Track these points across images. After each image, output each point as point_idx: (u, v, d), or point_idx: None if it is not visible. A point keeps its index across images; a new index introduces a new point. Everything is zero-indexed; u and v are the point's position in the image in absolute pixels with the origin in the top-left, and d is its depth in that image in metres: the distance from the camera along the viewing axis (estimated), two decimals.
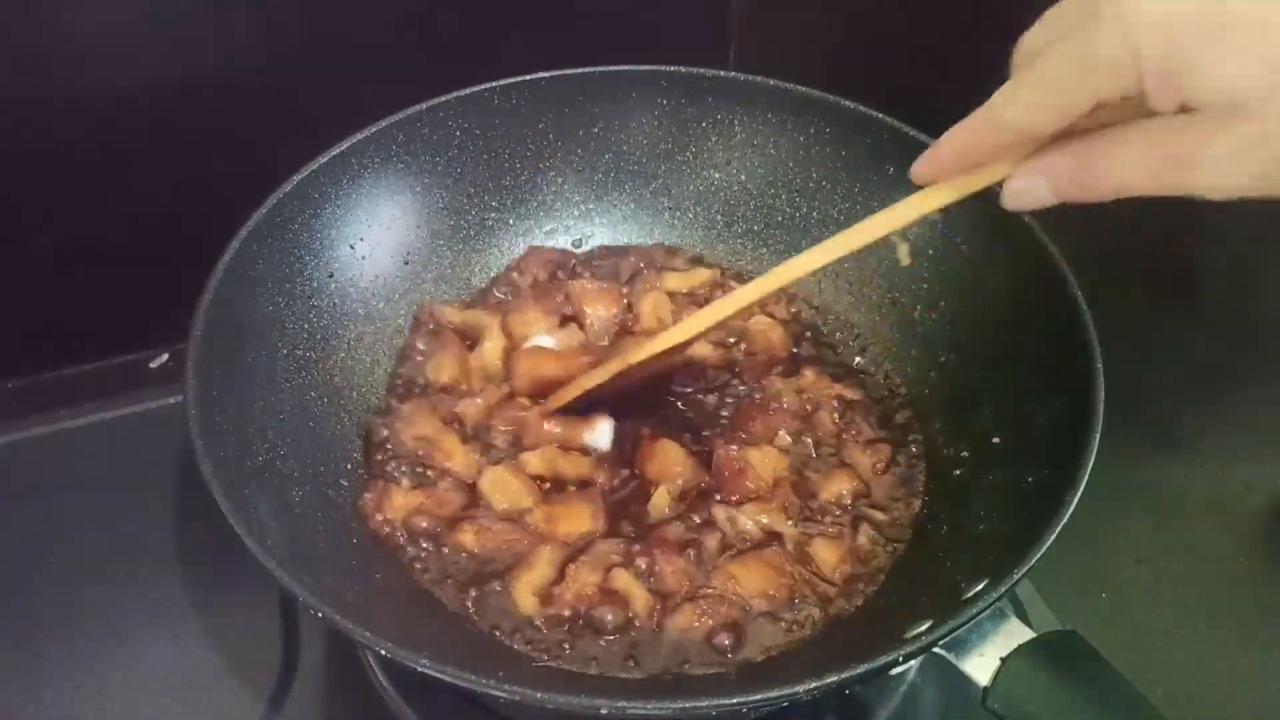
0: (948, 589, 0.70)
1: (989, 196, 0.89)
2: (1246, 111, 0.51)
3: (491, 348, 0.94)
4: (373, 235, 0.95)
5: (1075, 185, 0.59)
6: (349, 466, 0.86)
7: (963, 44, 1.15)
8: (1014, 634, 0.65)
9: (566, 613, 0.77)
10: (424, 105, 0.96)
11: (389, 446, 0.87)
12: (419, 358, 0.94)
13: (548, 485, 0.85)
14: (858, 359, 0.97)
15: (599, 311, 0.97)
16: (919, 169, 0.66)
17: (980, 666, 0.65)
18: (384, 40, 1.03)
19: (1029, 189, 0.61)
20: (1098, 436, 0.72)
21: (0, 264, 0.99)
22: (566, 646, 0.76)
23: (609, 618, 0.76)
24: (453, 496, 0.84)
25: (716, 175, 1.05)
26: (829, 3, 1.16)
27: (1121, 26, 0.52)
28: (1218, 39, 0.50)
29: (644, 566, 0.79)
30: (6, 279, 0.99)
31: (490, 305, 0.99)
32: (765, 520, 0.83)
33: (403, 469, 0.86)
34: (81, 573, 0.89)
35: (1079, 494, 0.69)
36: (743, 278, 1.02)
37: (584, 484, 0.85)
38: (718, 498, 0.84)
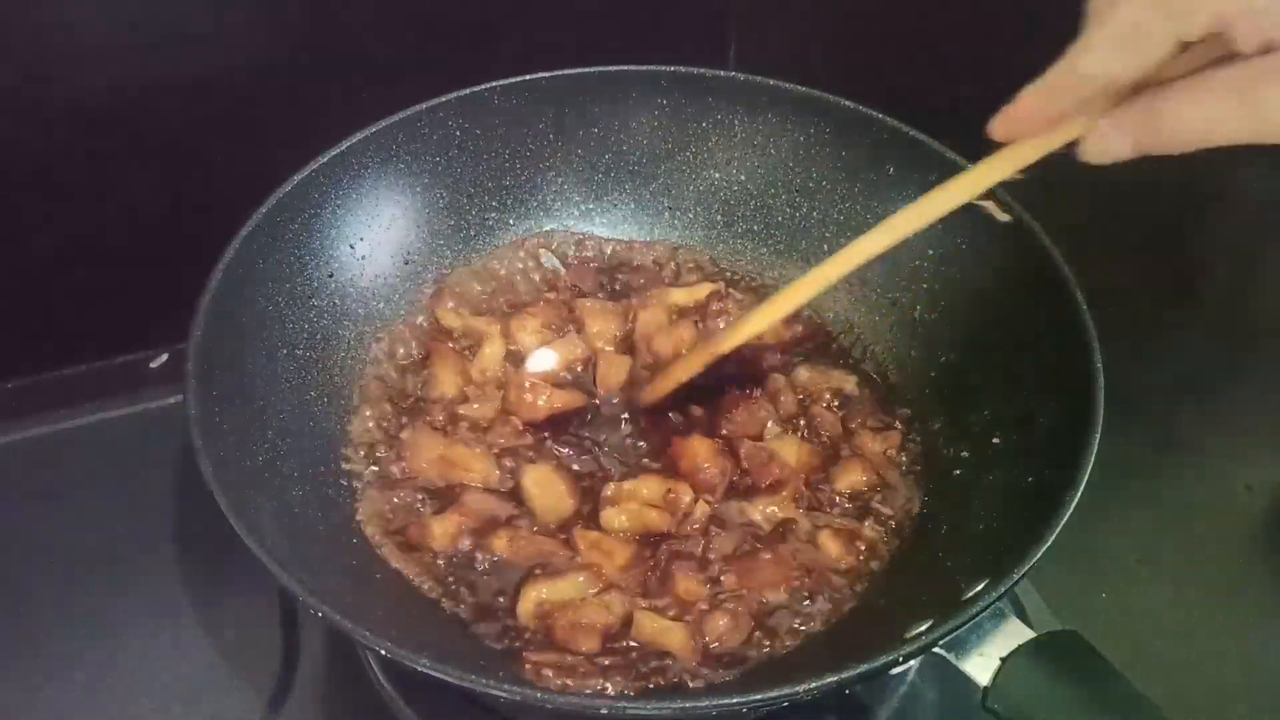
0: (948, 589, 0.70)
1: (990, 196, 0.90)
2: None
3: (492, 353, 0.94)
4: (373, 235, 0.95)
5: (1157, 138, 0.57)
6: (349, 466, 0.86)
7: (963, 44, 1.16)
8: (1014, 634, 0.65)
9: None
10: (424, 105, 0.96)
11: (405, 479, 0.85)
12: (417, 374, 0.93)
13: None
14: (857, 358, 0.97)
15: (600, 328, 0.96)
16: (997, 127, 0.64)
17: (980, 666, 0.65)
18: (384, 40, 1.03)
19: (1109, 144, 0.59)
20: (1098, 436, 0.72)
21: (0, 264, 0.99)
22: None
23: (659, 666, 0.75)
24: (485, 504, 0.83)
25: (716, 175, 1.05)
26: (829, 3, 1.16)
27: None
28: None
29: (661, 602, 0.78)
30: (6, 279, 0.99)
31: (492, 312, 0.98)
32: (774, 510, 0.84)
33: (420, 497, 0.84)
34: (81, 573, 0.89)
35: (1079, 494, 0.69)
36: (740, 283, 1.02)
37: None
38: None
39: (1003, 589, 0.65)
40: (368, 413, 0.89)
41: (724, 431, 0.89)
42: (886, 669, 0.64)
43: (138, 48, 0.94)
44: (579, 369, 0.94)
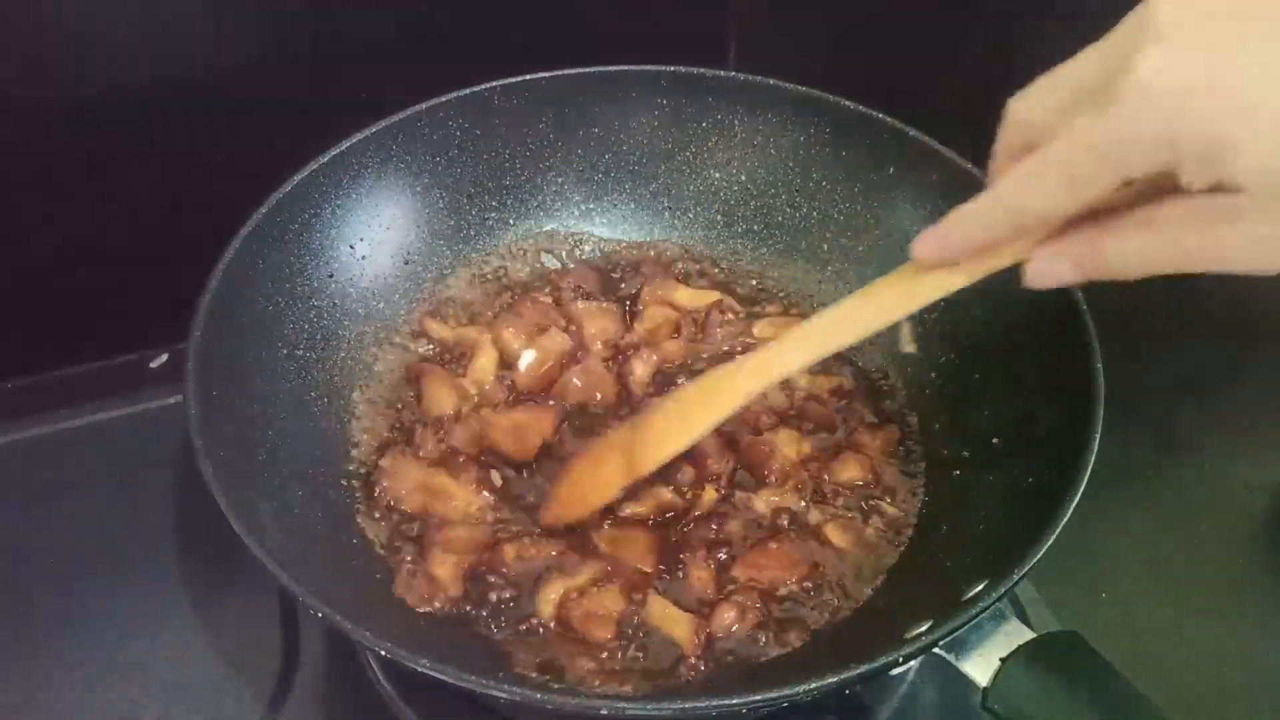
0: (948, 589, 0.70)
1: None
2: None
3: (485, 363, 0.93)
4: (373, 235, 0.95)
5: (1099, 266, 0.56)
6: (349, 466, 0.86)
7: (963, 44, 1.16)
8: (1014, 635, 0.65)
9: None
10: (424, 105, 0.96)
11: (399, 514, 0.83)
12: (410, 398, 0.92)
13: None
14: (856, 359, 0.97)
15: (596, 330, 0.96)
16: (924, 251, 0.63)
17: (980, 667, 0.65)
18: (384, 40, 1.03)
19: (1052, 270, 0.58)
20: (1098, 437, 0.72)
21: (0, 264, 0.98)
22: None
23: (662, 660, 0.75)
24: (475, 532, 0.81)
25: (716, 175, 1.05)
26: (829, 3, 1.16)
27: (1154, 104, 0.48)
28: (1263, 117, 0.47)
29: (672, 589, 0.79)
30: (6, 279, 0.99)
31: (482, 321, 0.98)
32: (777, 500, 0.84)
33: (415, 531, 0.82)
34: (81, 573, 0.89)
35: (1079, 494, 0.69)
36: (738, 289, 1.02)
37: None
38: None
39: (1003, 590, 0.65)
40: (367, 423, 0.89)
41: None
42: (886, 670, 0.64)
43: (138, 48, 0.94)
44: (563, 365, 0.93)
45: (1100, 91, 0.50)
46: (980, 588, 0.66)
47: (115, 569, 0.90)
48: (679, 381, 0.93)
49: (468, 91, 0.97)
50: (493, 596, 0.78)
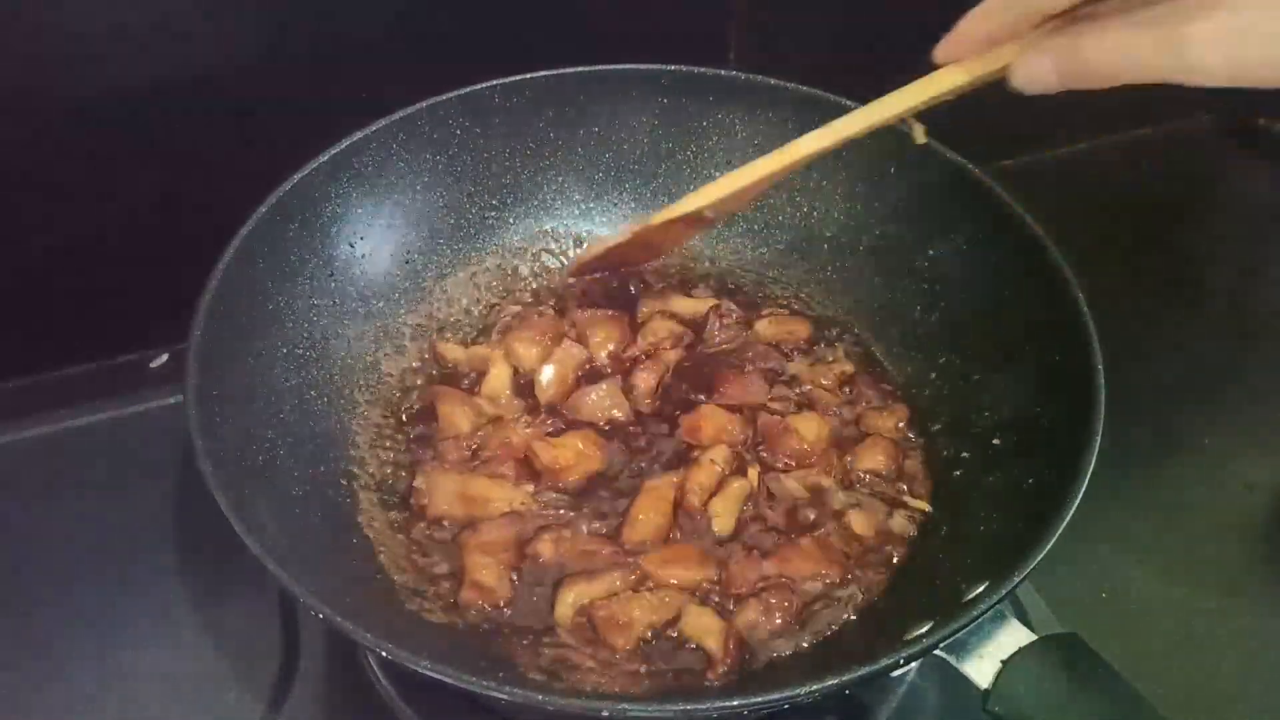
0: (948, 591, 0.70)
1: (990, 197, 0.90)
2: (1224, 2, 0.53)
3: (498, 374, 0.93)
4: (373, 235, 0.95)
5: (1077, 65, 0.60)
6: (349, 466, 0.86)
7: None
8: (1015, 636, 0.65)
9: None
10: (424, 105, 0.96)
11: (431, 521, 0.84)
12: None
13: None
14: (857, 359, 0.97)
15: (602, 338, 0.96)
16: (940, 51, 0.68)
17: (981, 669, 0.65)
18: (384, 40, 1.02)
19: (1034, 68, 0.62)
20: (1098, 437, 0.72)
21: (0, 264, 0.98)
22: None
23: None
24: (512, 526, 0.82)
25: (716, 175, 1.04)
26: (829, 3, 1.16)
27: None
28: None
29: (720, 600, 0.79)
30: (6, 279, 0.99)
31: (491, 337, 0.98)
32: (813, 481, 0.86)
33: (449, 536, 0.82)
34: (81, 573, 0.89)
35: (1080, 495, 0.69)
36: (738, 289, 1.03)
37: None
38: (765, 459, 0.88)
39: (1004, 591, 0.65)
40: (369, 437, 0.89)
41: (723, 404, 0.91)
42: (887, 671, 0.63)
43: (138, 48, 0.93)
44: (579, 376, 0.94)
45: None
46: (981, 589, 0.66)
47: (115, 569, 0.90)
48: (684, 388, 0.93)
49: (468, 91, 0.97)
50: (533, 595, 0.78)
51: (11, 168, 0.94)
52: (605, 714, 0.61)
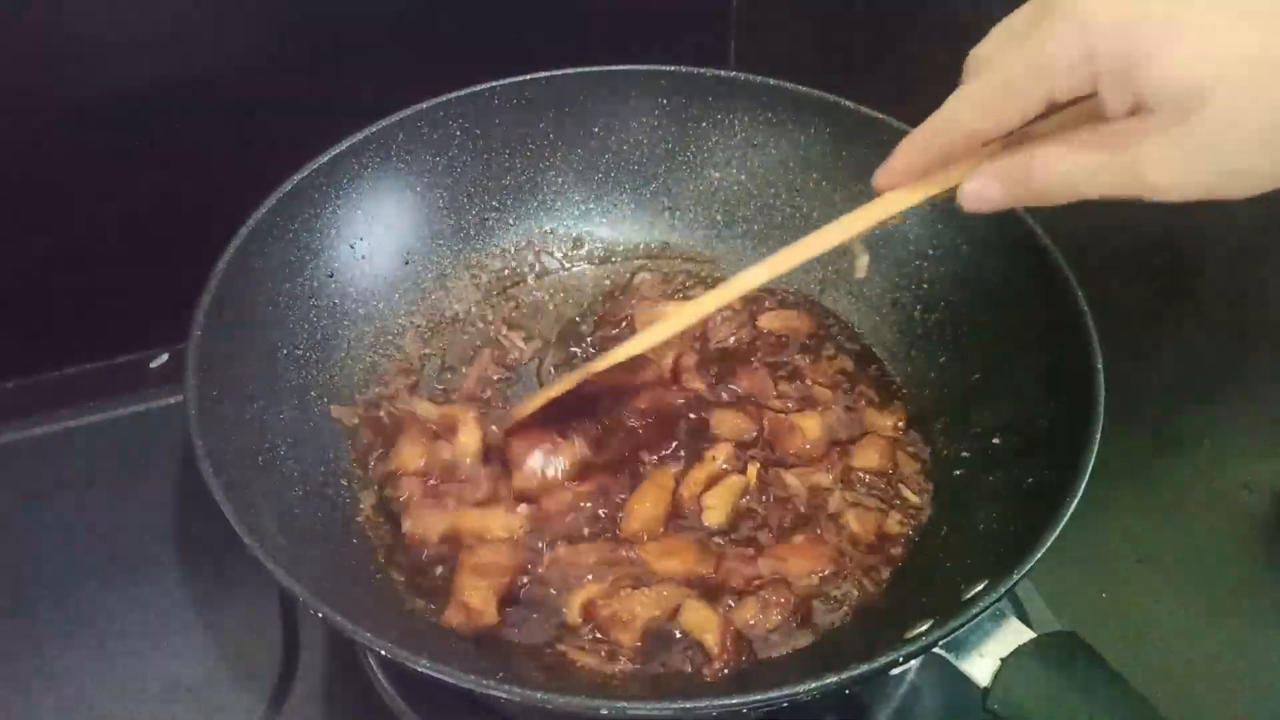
0: (948, 589, 0.70)
1: None
2: (1200, 106, 0.51)
3: (467, 443, 0.86)
4: (373, 235, 0.95)
5: (1026, 187, 0.59)
6: (349, 466, 0.86)
7: (963, 44, 1.16)
8: (1014, 634, 0.65)
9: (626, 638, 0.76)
10: (424, 105, 0.96)
11: (434, 559, 0.81)
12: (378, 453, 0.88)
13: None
14: (857, 358, 0.97)
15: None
16: (879, 179, 0.67)
17: (980, 667, 0.65)
18: (384, 40, 1.03)
19: (982, 191, 0.61)
20: (1098, 437, 0.72)
21: (0, 264, 0.98)
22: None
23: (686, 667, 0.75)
24: (508, 553, 0.80)
25: (716, 175, 1.05)
26: (829, 3, 1.16)
27: (1076, 25, 0.53)
28: (1172, 35, 0.51)
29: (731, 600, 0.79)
30: (6, 279, 0.99)
31: (465, 398, 0.93)
32: (813, 479, 0.86)
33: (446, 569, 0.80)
34: (81, 573, 0.89)
35: (1079, 494, 0.69)
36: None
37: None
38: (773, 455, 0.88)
39: (1003, 590, 0.65)
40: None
41: (726, 396, 0.92)
42: (887, 669, 0.64)
43: (138, 48, 0.94)
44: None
45: (1040, 20, 0.55)
46: (980, 588, 0.66)
47: (115, 569, 0.90)
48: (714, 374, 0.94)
49: (468, 91, 0.98)
50: (531, 616, 0.77)
51: (11, 168, 0.94)
52: (605, 713, 0.61)
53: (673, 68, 1.01)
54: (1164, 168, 0.54)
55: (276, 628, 0.86)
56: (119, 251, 1.01)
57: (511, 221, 1.04)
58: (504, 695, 0.61)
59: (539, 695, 0.62)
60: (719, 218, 1.05)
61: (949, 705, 0.82)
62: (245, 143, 0.98)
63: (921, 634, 0.64)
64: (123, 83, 0.94)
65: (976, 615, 0.64)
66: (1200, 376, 1.07)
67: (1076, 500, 0.69)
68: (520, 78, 0.99)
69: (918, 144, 0.64)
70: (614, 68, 1.01)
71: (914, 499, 0.86)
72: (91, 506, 0.94)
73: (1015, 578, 0.65)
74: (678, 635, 0.76)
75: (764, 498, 0.85)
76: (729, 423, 0.89)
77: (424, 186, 0.98)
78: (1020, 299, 0.87)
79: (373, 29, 1.02)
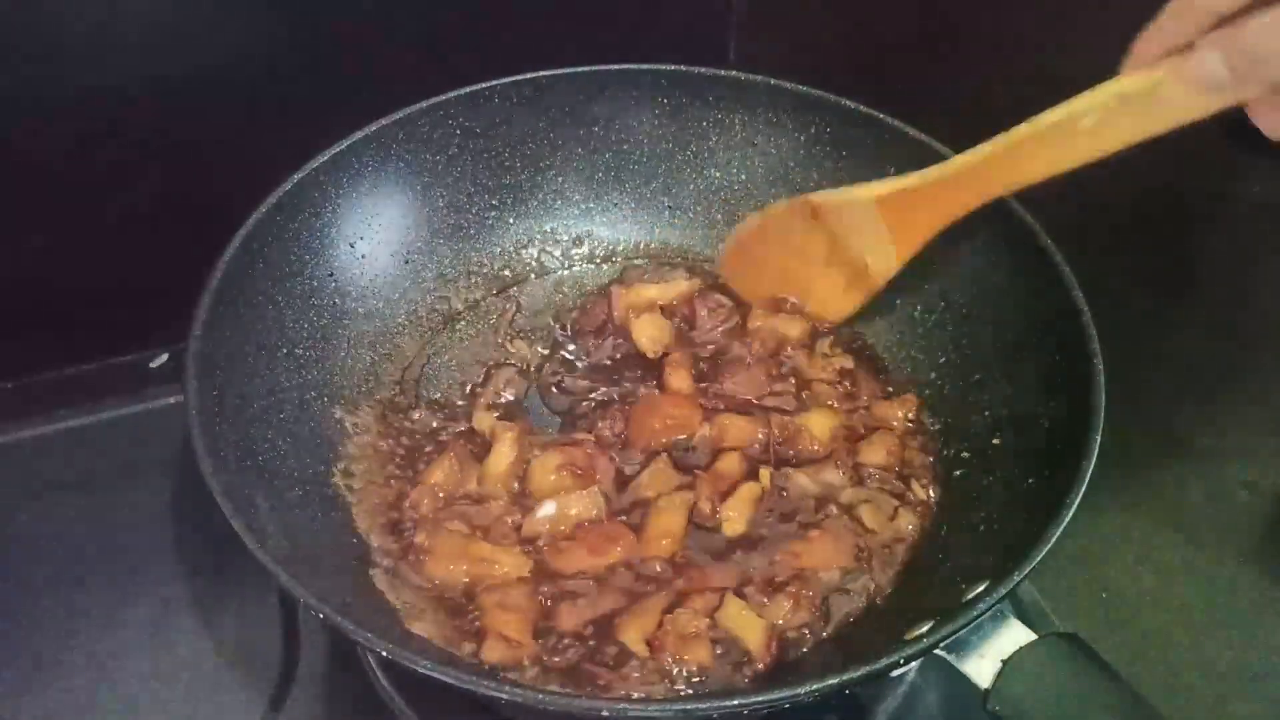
0: (949, 590, 0.70)
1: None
2: None
3: (499, 459, 0.86)
4: (373, 235, 0.95)
5: (1246, 54, 0.58)
6: (349, 466, 0.86)
7: (963, 44, 1.16)
8: (1015, 636, 0.65)
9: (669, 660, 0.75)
10: (424, 105, 0.96)
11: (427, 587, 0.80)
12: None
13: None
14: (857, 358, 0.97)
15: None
16: (1129, 61, 0.66)
17: (981, 668, 0.65)
18: (384, 40, 1.03)
19: (1204, 65, 0.60)
20: (1098, 437, 0.72)
21: (0, 264, 0.98)
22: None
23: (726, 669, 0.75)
24: (522, 596, 0.78)
25: (716, 175, 1.05)
26: (829, 3, 1.16)
27: None
28: None
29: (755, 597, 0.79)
30: (6, 279, 0.99)
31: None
32: (824, 477, 0.86)
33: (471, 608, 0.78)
34: (81, 573, 0.89)
35: (1080, 495, 0.69)
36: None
37: None
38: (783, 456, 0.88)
39: (1004, 591, 0.65)
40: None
41: (717, 392, 0.92)
42: (888, 670, 0.63)
43: (138, 47, 0.94)
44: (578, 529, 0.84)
45: None
46: (981, 589, 0.66)
47: (115, 569, 0.90)
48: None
49: (468, 91, 0.97)
50: (569, 646, 0.76)
51: (12, 168, 0.94)
52: (605, 713, 0.61)
53: (673, 68, 1.01)
54: None
55: (276, 628, 0.86)
56: (119, 251, 1.01)
57: (511, 221, 1.04)
58: (504, 695, 0.61)
59: (539, 695, 0.62)
60: (719, 218, 1.05)
61: (949, 706, 0.82)
62: (245, 142, 0.98)
63: (922, 635, 0.64)
64: (123, 82, 0.94)
65: (977, 616, 0.64)
66: (1200, 376, 1.07)
67: (1077, 501, 0.69)
68: (520, 77, 0.99)
69: (1157, 23, 0.63)
70: (614, 67, 1.01)
71: (922, 494, 0.86)
72: (91, 506, 0.94)
73: (1016, 579, 0.65)
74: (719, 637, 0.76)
75: (781, 501, 0.85)
76: (736, 429, 0.89)
77: (424, 186, 0.98)
78: (1021, 299, 0.87)
79: (373, 29, 1.02)
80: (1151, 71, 0.65)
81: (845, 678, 0.62)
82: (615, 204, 1.06)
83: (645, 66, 1.01)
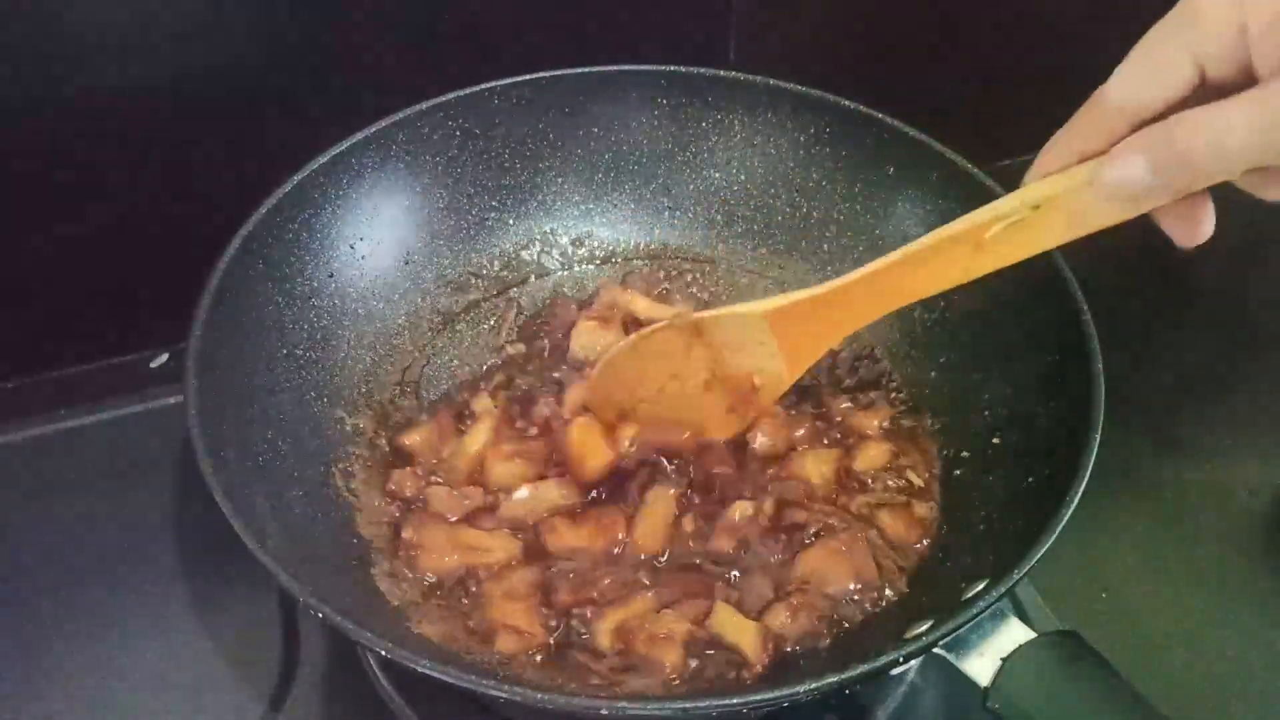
0: (948, 589, 0.70)
1: (991, 197, 0.89)
2: None
3: (474, 439, 0.88)
4: (373, 235, 0.95)
5: (1171, 155, 0.55)
6: (349, 466, 0.86)
7: (963, 44, 1.16)
8: (1014, 634, 0.65)
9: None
10: (424, 105, 0.96)
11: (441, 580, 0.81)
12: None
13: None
14: (857, 359, 0.97)
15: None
16: (1035, 167, 0.63)
17: (980, 667, 0.65)
18: (384, 40, 1.02)
19: (1125, 170, 0.57)
20: (1098, 437, 0.72)
21: (0, 264, 0.98)
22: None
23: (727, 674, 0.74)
24: (521, 581, 0.79)
25: (716, 175, 1.05)
26: (829, 3, 1.16)
27: None
28: None
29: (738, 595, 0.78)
30: (6, 279, 0.99)
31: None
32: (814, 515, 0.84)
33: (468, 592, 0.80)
34: (81, 573, 0.89)
35: (1079, 494, 0.69)
36: (737, 288, 1.02)
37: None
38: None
39: (1003, 589, 0.65)
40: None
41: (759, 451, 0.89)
42: (887, 669, 0.63)
43: (137, 47, 0.93)
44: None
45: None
46: (981, 587, 0.66)
47: (115, 569, 0.90)
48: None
49: (468, 91, 0.97)
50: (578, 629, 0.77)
51: (12, 168, 0.94)
52: (604, 713, 0.61)
53: (673, 68, 1.01)
54: None
55: (276, 628, 0.86)
56: (119, 251, 1.01)
57: (511, 221, 1.03)
58: (504, 695, 0.61)
59: (539, 695, 0.62)
60: (719, 218, 1.05)
61: (949, 705, 0.82)
62: (245, 142, 0.98)
63: (922, 634, 0.64)
64: (123, 82, 0.94)
65: (977, 615, 0.64)
66: (1200, 377, 1.07)
67: (1076, 500, 0.68)
68: (520, 78, 0.99)
69: (1073, 127, 0.60)
70: (614, 68, 1.01)
71: (918, 480, 0.86)
72: (91, 506, 0.94)
73: (1016, 577, 0.65)
74: (712, 641, 0.75)
75: (781, 516, 0.84)
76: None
77: (424, 186, 0.98)
78: (1021, 299, 0.87)
79: (373, 29, 1.01)
80: (1066, 177, 0.61)
81: (845, 677, 0.62)
82: (615, 204, 1.06)
83: (645, 67, 1.01)
